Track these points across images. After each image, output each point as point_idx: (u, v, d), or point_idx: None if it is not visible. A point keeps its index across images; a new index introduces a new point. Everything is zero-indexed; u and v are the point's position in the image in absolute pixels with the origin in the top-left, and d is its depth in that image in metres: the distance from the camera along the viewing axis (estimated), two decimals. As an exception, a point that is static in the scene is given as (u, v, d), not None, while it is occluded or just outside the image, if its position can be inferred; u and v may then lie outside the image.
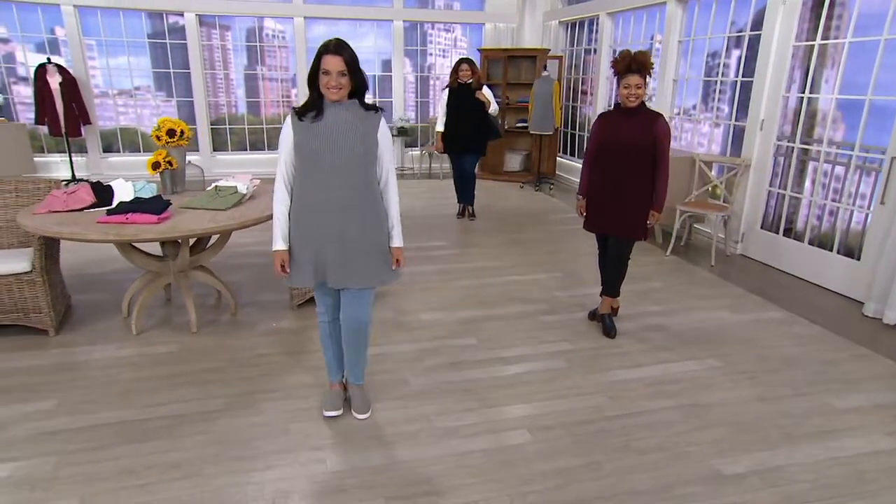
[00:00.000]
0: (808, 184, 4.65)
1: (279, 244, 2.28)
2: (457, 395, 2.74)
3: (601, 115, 3.33)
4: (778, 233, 4.70)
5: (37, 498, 2.03)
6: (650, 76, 3.14)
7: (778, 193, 4.76)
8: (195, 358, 3.04)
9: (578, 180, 3.52)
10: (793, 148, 4.59)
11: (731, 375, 2.97)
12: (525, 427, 2.51)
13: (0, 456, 2.24)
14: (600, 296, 3.50)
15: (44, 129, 7.22)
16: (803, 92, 4.50)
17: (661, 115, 3.18)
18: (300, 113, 2.17)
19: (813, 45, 4.39)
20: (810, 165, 4.62)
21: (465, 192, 6.08)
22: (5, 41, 7.44)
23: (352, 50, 2.10)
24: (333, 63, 2.05)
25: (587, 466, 2.26)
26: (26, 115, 7.49)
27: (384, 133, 2.24)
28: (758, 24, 4.83)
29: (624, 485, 2.16)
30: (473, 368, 3.00)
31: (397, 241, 2.36)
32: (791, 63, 4.54)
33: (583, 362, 3.08)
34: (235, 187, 3.44)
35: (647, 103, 3.20)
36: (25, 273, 3.10)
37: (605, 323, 3.41)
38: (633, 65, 3.05)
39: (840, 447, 2.39)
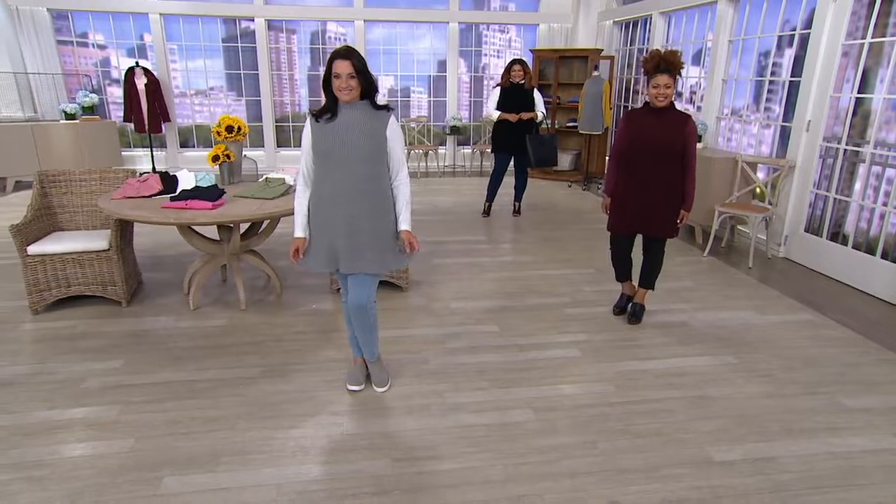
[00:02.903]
0: (857, 186, 4.50)
1: (298, 232, 2.55)
2: (470, 376, 2.94)
3: (628, 114, 3.40)
4: (822, 236, 4.58)
5: (101, 436, 2.41)
6: (679, 76, 3.20)
7: (824, 196, 4.63)
8: (240, 332, 3.40)
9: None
10: (841, 149, 4.46)
11: (744, 372, 3.00)
12: (529, 407, 2.67)
13: (76, 402, 2.65)
14: (638, 286, 3.62)
15: (130, 126, 7.99)
16: (856, 92, 4.36)
17: (690, 117, 3.24)
18: (317, 115, 2.44)
19: (863, 44, 4.25)
20: (860, 168, 4.47)
21: (514, 190, 6.24)
22: (102, 47, 8.27)
23: (360, 55, 2.34)
24: (343, 66, 2.29)
25: (582, 445, 2.41)
26: (117, 113, 8.30)
27: (393, 130, 2.45)
28: (810, 22, 4.71)
29: (614, 463, 2.30)
30: (490, 353, 3.19)
31: (405, 225, 2.52)
32: (842, 62, 4.41)
33: (596, 353, 3.20)
34: (283, 179, 3.78)
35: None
36: (104, 250, 3.56)
37: (635, 308, 3.55)
38: (662, 64, 3.10)
39: (840, 443, 2.41)
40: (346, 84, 2.31)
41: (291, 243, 2.58)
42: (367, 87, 2.37)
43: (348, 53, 2.30)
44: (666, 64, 3.09)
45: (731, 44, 5.75)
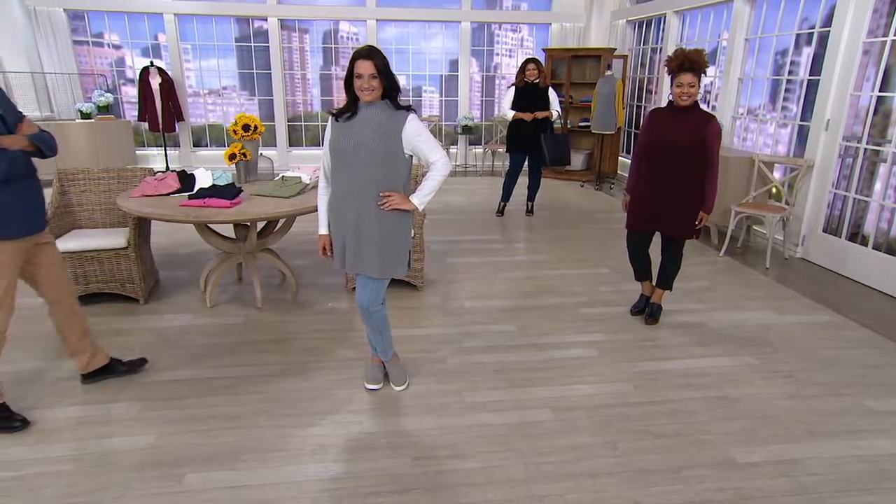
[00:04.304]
0: (877, 186, 4.45)
1: (322, 230, 2.59)
2: (488, 375, 2.93)
3: (653, 112, 3.37)
4: (841, 237, 4.53)
5: (123, 432, 2.43)
6: (704, 75, 3.16)
7: (843, 196, 4.58)
8: (258, 330, 3.40)
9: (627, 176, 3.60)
10: (861, 149, 4.41)
11: (764, 373, 2.97)
12: (548, 407, 2.66)
13: (98, 398, 2.67)
14: (655, 286, 3.59)
15: (144, 125, 8.04)
16: (877, 90, 4.30)
17: (714, 117, 3.21)
18: (337, 114, 2.43)
19: (885, 42, 4.20)
20: (881, 167, 4.42)
21: (527, 190, 6.23)
22: (118, 47, 8.34)
23: (383, 55, 2.32)
24: (365, 67, 2.28)
25: (602, 445, 2.39)
26: (131, 112, 8.36)
27: (411, 128, 2.37)
28: (829, 20, 4.66)
29: (635, 463, 2.28)
30: (508, 352, 3.17)
31: (415, 194, 2.46)
32: (863, 60, 4.36)
33: (614, 353, 3.18)
34: (300, 178, 3.79)
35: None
36: (122, 248, 3.59)
37: (653, 308, 3.53)
38: (686, 63, 3.06)
39: (865, 446, 2.38)
40: (368, 84, 2.29)
41: (319, 240, 2.63)
42: (389, 88, 2.35)
43: (370, 53, 2.29)
44: (690, 63, 3.06)
45: (748, 42, 5.69)
